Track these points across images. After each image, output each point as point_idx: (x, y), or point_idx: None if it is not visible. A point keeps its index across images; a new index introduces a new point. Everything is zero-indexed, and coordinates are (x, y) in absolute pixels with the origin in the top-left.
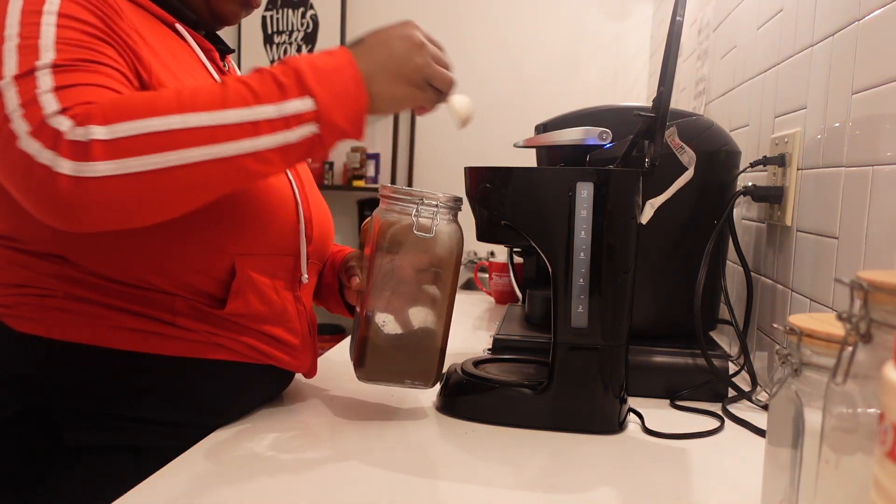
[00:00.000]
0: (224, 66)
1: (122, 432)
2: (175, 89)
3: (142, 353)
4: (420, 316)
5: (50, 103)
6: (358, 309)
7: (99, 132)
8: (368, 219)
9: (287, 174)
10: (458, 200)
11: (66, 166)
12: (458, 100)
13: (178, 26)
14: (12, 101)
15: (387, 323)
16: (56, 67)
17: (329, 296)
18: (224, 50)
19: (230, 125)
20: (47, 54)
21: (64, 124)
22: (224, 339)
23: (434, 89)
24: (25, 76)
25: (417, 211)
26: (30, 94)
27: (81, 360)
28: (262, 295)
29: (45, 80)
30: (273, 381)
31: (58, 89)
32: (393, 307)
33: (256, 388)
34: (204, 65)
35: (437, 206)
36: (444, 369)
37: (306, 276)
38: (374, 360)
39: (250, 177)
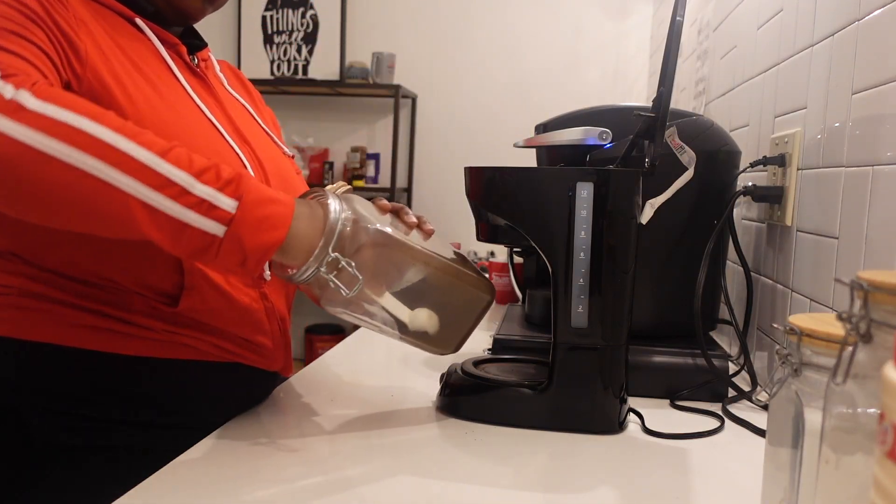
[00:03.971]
0: (194, 60)
1: (90, 432)
2: (127, 122)
3: (101, 351)
4: (414, 272)
5: None
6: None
7: (28, 100)
8: None
9: (243, 160)
10: (347, 212)
11: None
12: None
13: (138, 21)
14: None
15: (398, 307)
16: None
17: None
18: (194, 45)
19: (150, 168)
20: None
21: None
22: (185, 337)
23: None
24: None
25: (329, 278)
26: None
27: (41, 360)
28: (218, 292)
29: None
30: (254, 381)
31: None
32: (401, 297)
33: (234, 387)
34: (164, 60)
35: (337, 256)
36: (444, 370)
37: (268, 272)
38: (435, 336)
39: (131, 226)
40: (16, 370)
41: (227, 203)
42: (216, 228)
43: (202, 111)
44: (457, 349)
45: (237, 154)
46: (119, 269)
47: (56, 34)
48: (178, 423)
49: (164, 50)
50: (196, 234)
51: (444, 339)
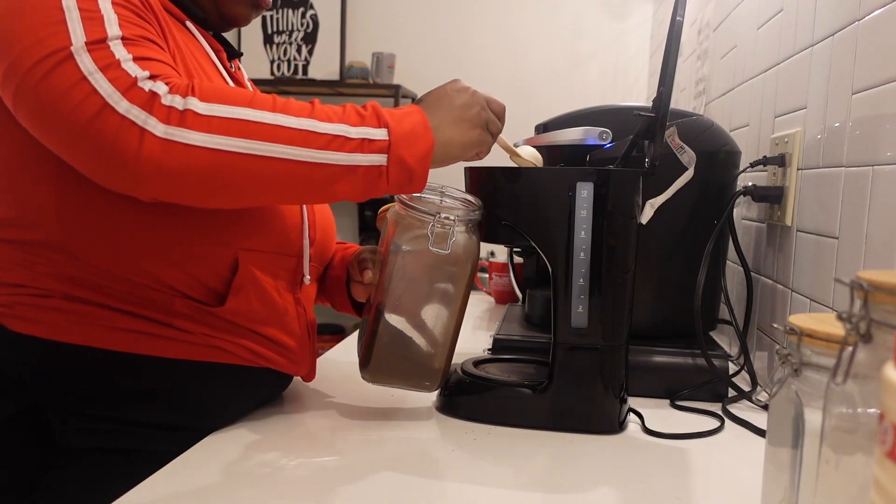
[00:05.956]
0: (231, 68)
1: (115, 435)
2: (269, 95)
3: (137, 354)
4: (432, 314)
5: (135, 70)
6: (367, 306)
7: (198, 105)
8: (387, 206)
9: None
10: (478, 210)
11: (158, 128)
12: (525, 150)
13: (189, 24)
14: (89, 65)
15: (398, 323)
16: (125, 40)
17: (334, 290)
18: (232, 52)
19: (317, 133)
20: (112, 28)
21: (161, 88)
22: (222, 341)
23: (489, 133)
24: (97, 45)
25: (433, 225)
26: (108, 60)
27: (77, 362)
28: (263, 294)
29: (119, 51)
30: (271, 384)
31: (137, 59)
32: (405, 306)
33: (253, 391)
34: (214, 64)
35: (454, 220)
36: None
37: (308, 277)
38: (380, 360)
39: (315, 189)
40: (44, 371)
41: (379, 133)
42: (379, 158)
43: None
44: (373, 382)
45: None
46: (171, 264)
47: (158, 31)
48: (201, 426)
49: (213, 54)
50: (366, 170)
51: (381, 368)
